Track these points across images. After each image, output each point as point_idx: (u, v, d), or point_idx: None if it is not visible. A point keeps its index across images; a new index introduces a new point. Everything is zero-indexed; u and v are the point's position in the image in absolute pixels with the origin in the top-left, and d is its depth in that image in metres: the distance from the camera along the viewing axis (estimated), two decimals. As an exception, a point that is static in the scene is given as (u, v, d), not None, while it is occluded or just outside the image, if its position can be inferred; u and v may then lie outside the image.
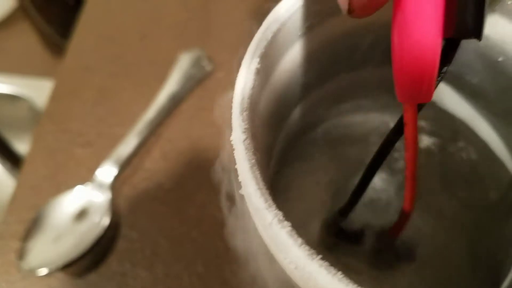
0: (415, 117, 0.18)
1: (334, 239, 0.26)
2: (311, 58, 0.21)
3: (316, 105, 0.25)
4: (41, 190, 0.38)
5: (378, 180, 0.27)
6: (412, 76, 0.16)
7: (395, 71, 0.16)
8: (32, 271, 0.34)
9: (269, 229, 0.14)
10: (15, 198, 0.38)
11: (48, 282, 0.35)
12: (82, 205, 0.37)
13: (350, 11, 0.15)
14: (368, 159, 0.21)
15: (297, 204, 0.27)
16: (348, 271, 0.25)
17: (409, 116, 0.18)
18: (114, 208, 0.36)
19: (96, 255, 0.35)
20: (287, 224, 0.14)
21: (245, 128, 0.16)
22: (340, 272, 0.14)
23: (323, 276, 0.13)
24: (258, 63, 0.17)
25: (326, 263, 0.14)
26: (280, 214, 0.14)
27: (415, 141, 0.18)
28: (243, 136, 0.16)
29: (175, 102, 0.42)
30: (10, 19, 0.70)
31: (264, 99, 0.19)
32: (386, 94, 0.24)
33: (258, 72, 0.17)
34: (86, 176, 0.38)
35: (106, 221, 0.36)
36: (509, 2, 0.20)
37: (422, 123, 0.27)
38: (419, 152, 0.24)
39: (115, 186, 0.38)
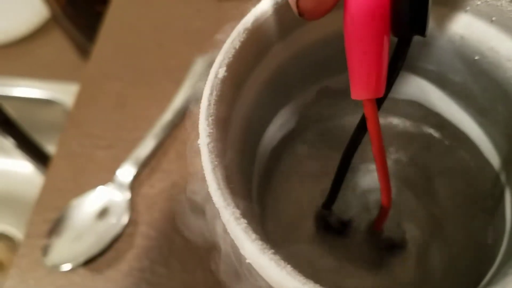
0: (375, 112, 0.18)
1: (324, 232, 0.27)
2: (287, 66, 0.22)
3: (300, 109, 0.26)
4: (64, 192, 0.40)
5: (364, 175, 0.28)
6: (361, 72, 0.16)
7: (348, 68, 0.17)
8: (55, 267, 0.36)
9: (228, 225, 0.16)
10: (41, 199, 0.40)
11: (71, 278, 0.36)
12: (103, 204, 0.39)
13: (300, 14, 0.16)
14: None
15: (293, 200, 0.28)
16: (341, 263, 0.26)
17: (368, 111, 0.18)
18: (133, 207, 0.38)
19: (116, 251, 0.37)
20: (243, 221, 0.15)
21: (209, 132, 0.17)
22: (289, 266, 0.15)
23: (273, 269, 0.14)
24: (225, 71, 0.18)
25: (276, 257, 0.15)
26: (237, 212, 0.15)
27: (379, 135, 0.19)
28: (207, 140, 0.17)
29: (190, 105, 0.43)
30: (44, 28, 0.74)
31: (238, 108, 0.20)
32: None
33: (226, 80, 0.18)
34: (106, 177, 0.40)
35: (125, 219, 0.38)
36: (478, 3, 0.20)
37: (408, 121, 0.27)
38: (406, 150, 0.24)
39: (134, 186, 0.39)
